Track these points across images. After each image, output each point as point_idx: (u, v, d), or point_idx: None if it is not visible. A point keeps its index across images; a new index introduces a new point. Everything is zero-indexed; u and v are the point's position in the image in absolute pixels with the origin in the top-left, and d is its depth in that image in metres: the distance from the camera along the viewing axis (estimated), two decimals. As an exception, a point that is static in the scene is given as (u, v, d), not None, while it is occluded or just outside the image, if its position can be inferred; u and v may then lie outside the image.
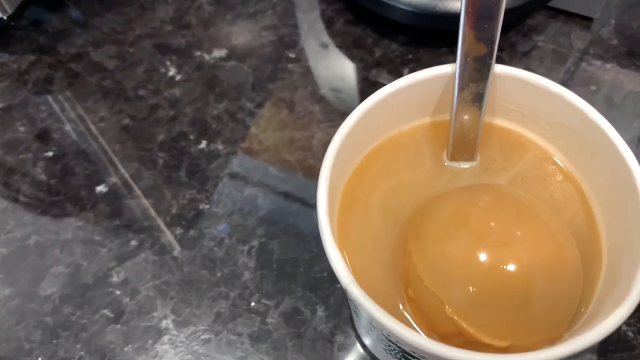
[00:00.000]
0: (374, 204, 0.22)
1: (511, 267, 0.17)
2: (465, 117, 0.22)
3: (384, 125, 0.23)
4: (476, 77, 0.21)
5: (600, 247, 0.21)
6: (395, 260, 0.21)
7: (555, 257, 0.18)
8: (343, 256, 0.20)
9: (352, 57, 0.39)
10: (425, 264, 0.18)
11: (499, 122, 0.24)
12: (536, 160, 0.23)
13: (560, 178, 0.23)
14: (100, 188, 0.34)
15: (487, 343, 0.18)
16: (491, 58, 0.21)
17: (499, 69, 0.22)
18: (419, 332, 0.19)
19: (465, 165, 0.23)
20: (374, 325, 0.19)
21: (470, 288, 0.17)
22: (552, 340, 0.18)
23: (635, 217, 0.19)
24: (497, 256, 0.18)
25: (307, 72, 0.39)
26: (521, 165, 0.23)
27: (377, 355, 0.28)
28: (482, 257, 0.18)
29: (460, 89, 0.21)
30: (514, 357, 0.16)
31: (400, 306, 0.20)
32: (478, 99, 0.22)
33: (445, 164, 0.23)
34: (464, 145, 0.22)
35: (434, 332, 0.19)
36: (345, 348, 0.28)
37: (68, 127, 0.37)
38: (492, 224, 0.19)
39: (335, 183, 0.21)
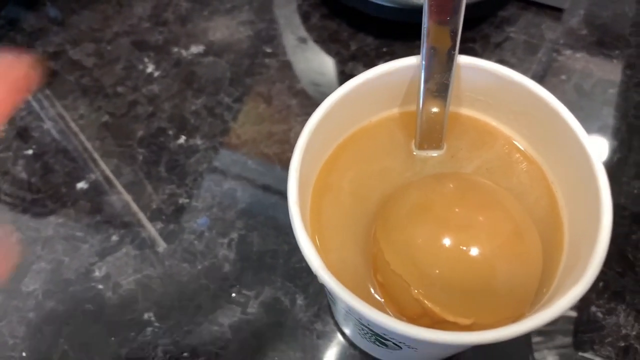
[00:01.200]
0: (346, 191, 0.23)
1: (472, 250, 0.18)
2: (432, 107, 0.23)
3: (354, 116, 0.24)
4: (441, 68, 0.22)
5: (562, 232, 0.22)
6: (366, 246, 0.21)
7: (514, 240, 0.19)
8: (315, 243, 0.21)
9: (328, 51, 0.40)
10: (392, 249, 0.19)
11: (465, 111, 0.25)
12: (502, 148, 0.24)
13: (524, 165, 0.23)
14: (81, 185, 0.35)
15: (452, 321, 0.18)
16: (454, 49, 0.21)
17: (463, 60, 0.23)
18: (388, 314, 0.20)
19: (433, 153, 0.24)
20: (343, 307, 0.20)
21: (434, 270, 0.18)
22: (515, 318, 0.19)
23: (593, 202, 0.20)
24: (459, 239, 0.18)
25: (284, 67, 0.39)
26: (487, 153, 0.24)
27: (354, 341, 0.28)
28: (445, 240, 0.18)
29: (426, 80, 0.22)
30: (477, 334, 0.17)
31: (372, 291, 0.21)
32: (443, 90, 0.22)
33: (414, 152, 0.24)
34: (431, 134, 0.23)
35: (403, 315, 0.20)
36: (324, 336, 0.29)
37: (47, 125, 0.37)
38: (456, 210, 0.19)
39: (307, 173, 0.22)
